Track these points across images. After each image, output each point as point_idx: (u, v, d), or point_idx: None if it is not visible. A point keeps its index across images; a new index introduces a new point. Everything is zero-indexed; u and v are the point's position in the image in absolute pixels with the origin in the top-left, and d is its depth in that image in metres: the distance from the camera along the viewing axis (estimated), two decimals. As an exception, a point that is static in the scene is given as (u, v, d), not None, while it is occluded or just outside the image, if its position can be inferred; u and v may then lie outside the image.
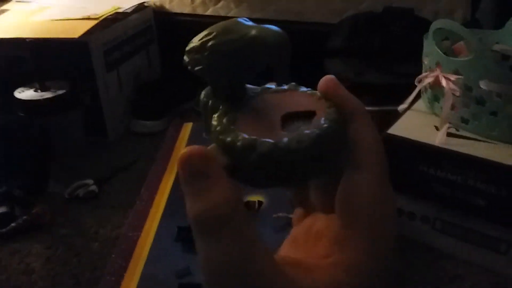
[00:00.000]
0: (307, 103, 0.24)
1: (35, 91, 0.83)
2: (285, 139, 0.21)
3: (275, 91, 0.25)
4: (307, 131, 0.21)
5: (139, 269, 0.56)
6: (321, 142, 0.21)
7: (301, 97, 0.25)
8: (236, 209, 0.19)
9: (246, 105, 0.24)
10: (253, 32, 0.22)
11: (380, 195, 0.22)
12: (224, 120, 0.23)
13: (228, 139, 0.22)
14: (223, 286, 0.19)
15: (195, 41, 0.23)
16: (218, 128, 0.22)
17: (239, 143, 0.21)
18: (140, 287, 0.53)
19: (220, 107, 0.24)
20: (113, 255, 0.58)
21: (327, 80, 0.24)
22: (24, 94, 0.83)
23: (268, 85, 0.26)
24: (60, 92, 0.83)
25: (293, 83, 0.26)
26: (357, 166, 0.22)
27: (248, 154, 0.21)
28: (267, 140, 0.21)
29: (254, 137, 0.21)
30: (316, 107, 0.24)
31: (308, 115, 0.23)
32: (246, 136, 0.21)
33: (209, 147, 0.22)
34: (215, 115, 0.23)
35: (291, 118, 0.23)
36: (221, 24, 0.23)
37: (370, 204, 0.22)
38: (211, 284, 0.20)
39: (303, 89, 0.25)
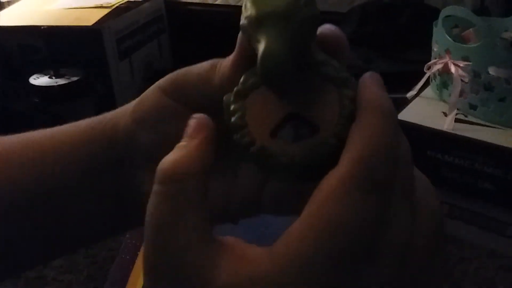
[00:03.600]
0: (325, 106, 0.21)
1: (49, 77, 0.85)
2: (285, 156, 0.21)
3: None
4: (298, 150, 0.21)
5: (153, 249, 0.58)
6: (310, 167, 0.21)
7: (326, 94, 0.21)
8: (188, 177, 0.20)
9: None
10: None
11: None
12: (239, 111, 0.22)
13: (237, 136, 0.21)
14: (149, 239, 0.20)
15: None
16: (232, 119, 0.22)
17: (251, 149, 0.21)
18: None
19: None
20: (127, 235, 0.60)
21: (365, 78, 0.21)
22: (39, 80, 0.84)
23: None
24: (74, 78, 0.84)
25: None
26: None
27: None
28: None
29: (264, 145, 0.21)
30: (330, 115, 0.21)
31: (311, 125, 0.21)
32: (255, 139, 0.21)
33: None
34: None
35: (292, 121, 0.22)
36: None
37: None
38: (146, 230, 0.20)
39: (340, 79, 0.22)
